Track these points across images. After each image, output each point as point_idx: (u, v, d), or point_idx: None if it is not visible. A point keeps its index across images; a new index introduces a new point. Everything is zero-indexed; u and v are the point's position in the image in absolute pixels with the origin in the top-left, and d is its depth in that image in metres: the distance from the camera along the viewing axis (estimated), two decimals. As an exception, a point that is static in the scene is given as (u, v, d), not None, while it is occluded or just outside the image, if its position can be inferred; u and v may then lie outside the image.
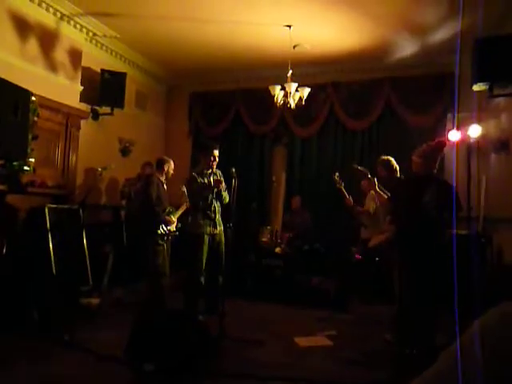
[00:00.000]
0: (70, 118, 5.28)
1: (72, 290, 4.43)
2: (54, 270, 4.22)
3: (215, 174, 4.45)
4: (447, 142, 3.54)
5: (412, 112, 6.23)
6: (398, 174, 4.13)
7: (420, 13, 4.92)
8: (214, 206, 4.45)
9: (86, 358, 3.23)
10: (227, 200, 4.50)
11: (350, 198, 4.92)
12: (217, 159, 4.44)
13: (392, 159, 4.17)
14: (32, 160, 3.96)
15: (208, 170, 4.50)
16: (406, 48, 5.90)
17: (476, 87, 4.20)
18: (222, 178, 4.51)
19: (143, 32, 5.82)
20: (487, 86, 4.16)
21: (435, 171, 3.46)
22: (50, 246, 4.27)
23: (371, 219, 4.81)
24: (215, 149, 4.43)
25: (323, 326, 4.32)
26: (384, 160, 4.21)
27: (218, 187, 4.35)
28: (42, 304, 3.97)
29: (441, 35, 5.43)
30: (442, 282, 3.28)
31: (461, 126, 5.35)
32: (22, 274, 4.02)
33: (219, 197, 4.39)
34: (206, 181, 4.44)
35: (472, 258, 3.96)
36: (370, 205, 4.79)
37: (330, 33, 5.55)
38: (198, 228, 4.42)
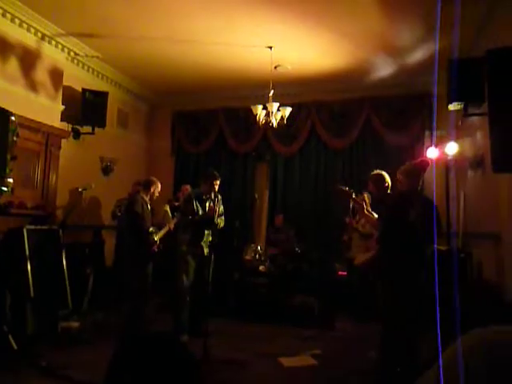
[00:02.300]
0: (50, 137, 5.22)
1: (51, 314, 4.30)
2: (31, 293, 4.10)
3: (213, 200, 4.48)
4: (430, 161, 3.58)
5: (391, 130, 6.38)
6: (389, 191, 3.85)
7: (397, 35, 5.09)
8: (203, 230, 4.48)
9: (64, 385, 3.13)
10: (222, 225, 4.55)
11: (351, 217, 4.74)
12: (216, 188, 4.49)
13: (384, 174, 3.84)
14: (11, 180, 3.87)
15: (207, 194, 4.52)
16: (385, 68, 6.07)
17: (451, 106, 4.33)
18: (221, 203, 4.53)
19: (125, 51, 5.85)
20: (462, 106, 4.29)
21: (419, 189, 3.51)
22: (29, 268, 4.15)
23: (364, 239, 4.75)
24: (216, 179, 4.48)
25: (308, 345, 4.29)
26: (374, 175, 3.93)
27: (211, 215, 4.37)
28: (19, 328, 3.85)
29: (417, 56, 5.62)
30: (425, 299, 3.30)
31: (438, 143, 5.50)
32: (-1, 298, 3.90)
33: (210, 224, 4.39)
34: (199, 207, 4.46)
35: (452, 273, 4.01)
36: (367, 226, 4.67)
37: (310, 54, 5.67)
38: (185, 247, 4.43)
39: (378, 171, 4.03)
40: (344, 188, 4.02)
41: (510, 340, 0.77)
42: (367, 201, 3.96)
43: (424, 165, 3.54)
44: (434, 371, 0.85)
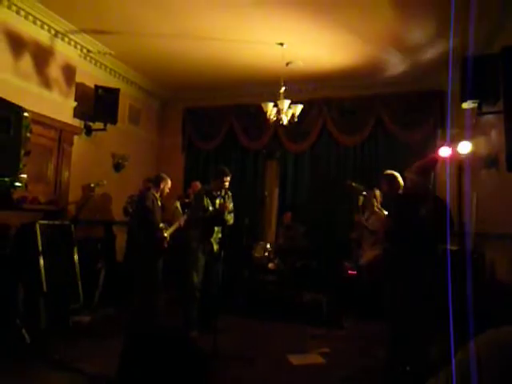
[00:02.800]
0: (62, 133, 5.28)
1: (63, 308, 4.36)
2: (44, 288, 4.16)
3: (223, 196, 4.49)
4: (439, 158, 3.56)
5: (403, 128, 6.32)
6: (400, 191, 3.86)
7: (409, 31, 5.02)
8: (213, 227, 4.49)
9: (76, 378, 3.17)
10: (231, 222, 4.57)
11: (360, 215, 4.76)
12: (227, 185, 4.49)
13: (397, 175, 3.87)
14: (24, 176, 3.92)
15: (217, 191, 4.54)
16: (397, 65, 6.01)
17: (465, 105, 4.26)
18: (231, 200, 4.54)
19: (137, 48, 5.87)
20: (476, 104, 4.23)
21: (430, 187, 3.49)
22: (41, 262, 4.22)
23: (373, 236, 4.75)
24: (227, 176, 4.49)
25: (316, 343, 4.29)
26: (387, 175, 3.99)
27: (222, 211, 4.38)
28: (32, 322, 3.91)
29: (430, 53, 5.54)
30: (435, 298, 3.28)
31: (451, 142, 5.43)
32: (12, 292, 3.96)
33: (220, 222, 4.40)
34: (210, 204, 4.49)
35: (465, 273, 3.97)
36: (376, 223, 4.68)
37: (321, 50, 5.64)
38: (195, 244, 4.45)
39: (390, 171, 4.03)
40: (354, 185, 4.03)
41: None
42: (378, 198, 3.95)
43: (433, 162, 3.52)
44: (445, 372, 0.84)
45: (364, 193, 3.92)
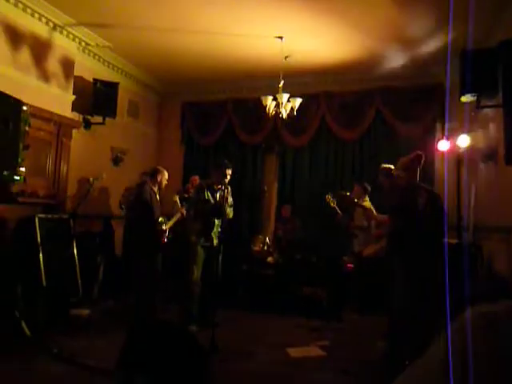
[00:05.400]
0: (61, 127, 5.26)
1: (62, 301, 4.37)
2: (43, 281, 4.17)
3: (223, 190, 4.48)
4: (423, 154, 3.58)
5: (402, 122, 6.30)
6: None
7: (409, 25, 5.01)
8: (214, 220, 4.49)
9: (75, 371, 3.18)
10: (231, 216, 4.57)
11: (341, 215, 5.01)
12: (228, 177, 4.48)
13: (393, 167, 3.93)
14: (23, 169, 3.92)
15: (218, 185, 4.54)
16: (396, 59, 5.99)
17: (464, 98, 4.26)
18: (230, 195, 4.54)
19: (136, 42, 5.84)
20: (475, 98, 4.22)
21: (417, 181, 3.52)
22: (40, 256, 4.22)
23: (364, 232, 4.86)
24: (228, 168, 4.48)
25: (316, 336, 4.31)
26: (384, 169, 4.08)
27: (221, 204, 4.38)
28: (31, 315, 3.92)
29: (430, 47, 5.53)
30: (437, 292, 3.29)
31: (450, 135, 5.43)
32: (11, 285, 3.97)
33: (220, 214, 4.39)
34: (211, 197, 4.49)
35: (463, 267, 3.99)
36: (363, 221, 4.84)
37: (320, 44, 5.62)
38: (195, 238, 4.45)
39: (387, 165, 4.07)
40: (346, 194, 4.18)
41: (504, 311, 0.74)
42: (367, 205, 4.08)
43: (419, 158, 3.53)
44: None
45: (355, 200, 4.18)
